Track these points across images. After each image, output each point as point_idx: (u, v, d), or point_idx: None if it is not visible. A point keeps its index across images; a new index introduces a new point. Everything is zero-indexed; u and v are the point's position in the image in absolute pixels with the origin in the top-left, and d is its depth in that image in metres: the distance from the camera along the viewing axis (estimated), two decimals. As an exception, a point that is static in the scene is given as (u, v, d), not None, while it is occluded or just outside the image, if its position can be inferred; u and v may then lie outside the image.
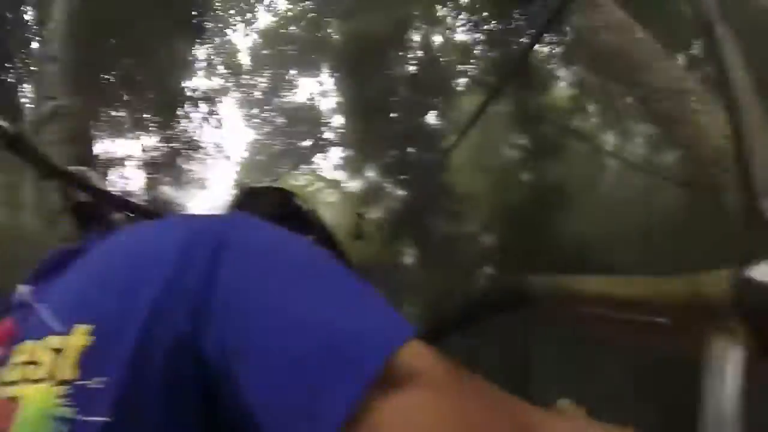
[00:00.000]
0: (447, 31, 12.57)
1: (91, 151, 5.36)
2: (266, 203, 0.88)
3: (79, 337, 0.46)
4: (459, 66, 12.50)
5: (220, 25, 9.83)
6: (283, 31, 13.11)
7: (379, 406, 0.38)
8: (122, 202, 0.94)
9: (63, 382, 0.45)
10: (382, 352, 0.40)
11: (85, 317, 0.47)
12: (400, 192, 13.60)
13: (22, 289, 0.61)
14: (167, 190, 10.30)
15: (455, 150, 10.71)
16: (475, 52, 11.54)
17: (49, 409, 0.44)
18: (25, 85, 6.98)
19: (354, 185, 15.74)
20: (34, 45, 6.54)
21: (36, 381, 0.46)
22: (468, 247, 11.98)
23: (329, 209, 0.87)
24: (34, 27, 6.66)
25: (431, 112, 13.04)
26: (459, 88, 13.03)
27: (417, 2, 11.35)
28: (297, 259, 0.50)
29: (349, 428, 0.38)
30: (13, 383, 0.47)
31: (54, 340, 0.47)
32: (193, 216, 0.62)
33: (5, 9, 6.73)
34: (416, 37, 12.74)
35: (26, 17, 7.17)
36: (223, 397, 0.44)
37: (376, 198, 14.36)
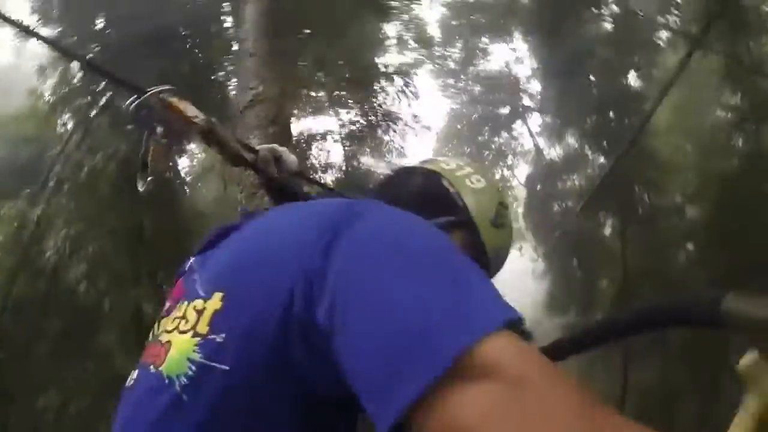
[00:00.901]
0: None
1: (289, 130, 5.64)
2: (415, 183, 0.91)
3: (216, 301, 0.59)
4: (659, 17, 10.92)
5: (405, 2, 10.19)
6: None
7: (449, 395, 0.40)
8: (304, 179, 1.14)
9: (198, 335, 0.57)
10: (463, 342, 0.41)
11: (221, 286, 0.60)
12: (601, 159, 12.75)
13: (191, 258, 0.78)
14: (368, 161, 10.94)
15: (658, 113, 9.62)
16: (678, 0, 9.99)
17: (187, 353, 0.57)
18: (233, 80, 8.39)
19: (553, 152, 15.13)
20: (235, 46, 7.72)
21: (183, 332, 0.60)
22: (671, 222, 10.71)
23: (474, 195, 0.89)
24: (234, 30, 7.91)
25: (631, 71, 11.75)
26: (660, 43, 11.42)
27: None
28: (409, 246, 0.53)
29: (417, 411, 0.41)
30: (169, 332, 0.62)
31: (199, 303, 0.61)
32: (327, 200, 0.69)
33: (209, 21, 8.18)
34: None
35: (227, 24, 8.56)
36: (323, 358, 0.51)
37: (575, 165, 13.64)
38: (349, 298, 0.49)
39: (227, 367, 0.54)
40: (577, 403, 0.39)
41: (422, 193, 0.86)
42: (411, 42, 11.40)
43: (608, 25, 12.03)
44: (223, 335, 0.56)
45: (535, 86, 14.96)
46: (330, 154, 10.56)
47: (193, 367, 0.55)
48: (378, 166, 11.00)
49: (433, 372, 0.40)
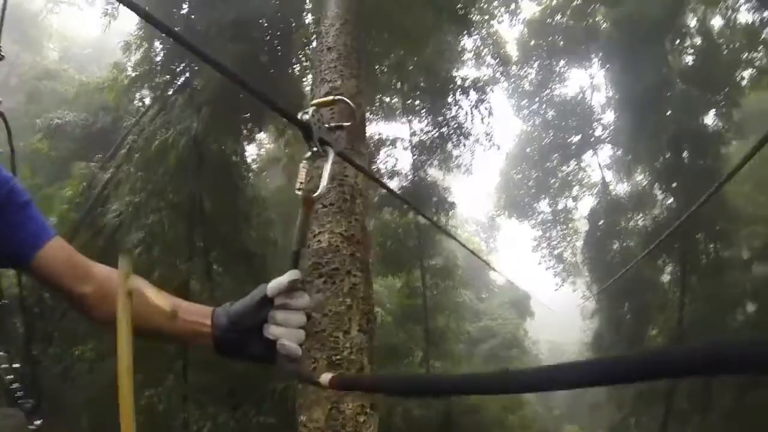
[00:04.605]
0: (728, 11, 10.47)
1: (364, 128, 5.58)
2: None
3: None
4: (744, 54, 10.36)
5: (486, 17, 10.08)
6: (549, 20, 12.82)
7: None
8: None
9: None
10: None
11: None
12: (670, 200, 12.23)
13: None
14: (435, 173, 10.97)
15: (733, 157, 9.11)
16: (764, 36, 9.42)
17: None
18: (308, 76, 8.50)
19: (620, 188, 14.61)
20: (314, 43, 7.78)
21: None
22: (735, 277, 10.08)
23: None
24: (314, 26, 7.99)
25: (711, 110, 11.19)
26: (743, 81, 10.85)
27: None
28: None
29: None
30: None
31: None
32: None
33: (290, 16, 8.27)
34: (693, 22, 10.99)
35: (307, 20, 8.64)
36: None
37: (642, 204, 13.13)
38: None
39: None
40: None
41: None
42: (489, 58, 11.26)
43: (690, 59, 11.59)
44: None
45: (609, 116, 14.58)
46: (398, 161, 10.68)
47: None
48: (444, 180, 11.09)
49: None
